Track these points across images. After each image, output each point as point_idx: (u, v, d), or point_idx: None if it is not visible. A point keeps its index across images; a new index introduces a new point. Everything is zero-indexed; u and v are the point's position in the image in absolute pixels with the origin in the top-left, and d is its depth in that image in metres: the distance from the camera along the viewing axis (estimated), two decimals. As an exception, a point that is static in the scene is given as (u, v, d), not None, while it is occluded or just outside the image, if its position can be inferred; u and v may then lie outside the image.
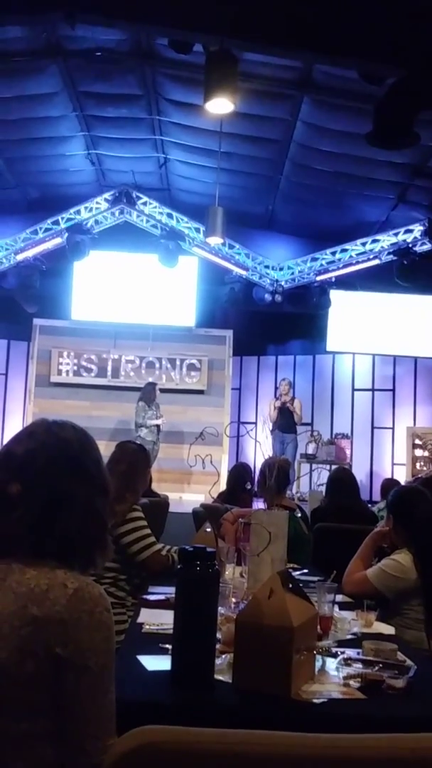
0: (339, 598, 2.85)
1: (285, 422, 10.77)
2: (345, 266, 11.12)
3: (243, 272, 11.24)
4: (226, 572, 3.07)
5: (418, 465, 10.99)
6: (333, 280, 11.23)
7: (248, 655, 1.92)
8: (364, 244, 10.92)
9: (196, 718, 1.71)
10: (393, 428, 11.75)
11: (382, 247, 10.82)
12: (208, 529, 3.22)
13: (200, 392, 11.64)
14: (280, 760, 1.09)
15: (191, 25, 5.64)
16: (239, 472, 6.15)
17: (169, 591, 2.59)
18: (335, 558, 3.28)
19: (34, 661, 1.36)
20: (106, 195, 11.09)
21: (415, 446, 11.14)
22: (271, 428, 10.71)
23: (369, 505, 6.45)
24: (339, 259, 11.09)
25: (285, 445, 10.64)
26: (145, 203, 11.15)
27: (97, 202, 11.08)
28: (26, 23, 7.02)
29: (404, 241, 10.63)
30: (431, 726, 1.38)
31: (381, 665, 2.10)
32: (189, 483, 10.66)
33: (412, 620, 3.00)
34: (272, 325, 11.87)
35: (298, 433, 10.77)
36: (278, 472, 3.74)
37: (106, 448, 4.55)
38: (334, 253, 11.10)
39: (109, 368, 11.65)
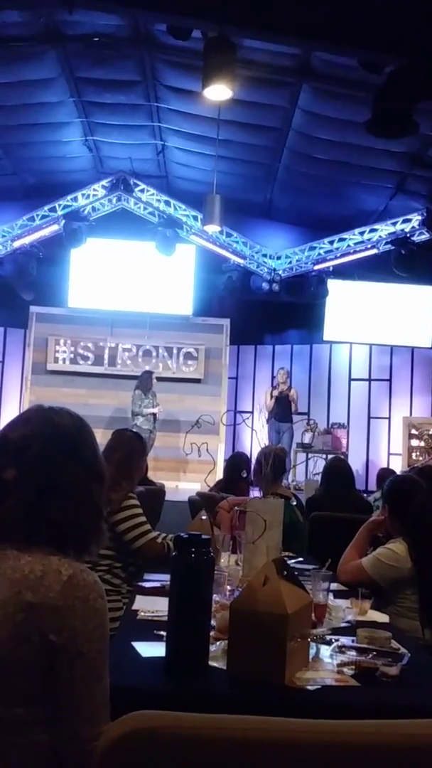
0: (334, 586, 2.86)
1: (281, 411, 10.77)
2: (343, 255, 11.10)
3: (240, 261, 11.22)
4: (222, 560, 3.08)
5: (414, 455, 11.01)
6: (330, 269, 11.21)
7: (242, 642, 1.92)
8: (362, 234, 10.90)
9: (190, 705, 1.71)
10: (389, 418, 11.76)
11: (380, 236, 10.81)
12: (204, 517, 3.23)
13: (197, 381, 11.63)
14: (274, 745, 1.09)
15: (190, 11, 5.62)
16: (236, 461, 6.15)
17: (165, 578, 2.60)
18: (330, 547, 3.29)
19: (28, 648, 1.37)
20: (104, 182, 11.03)
21: (411, 436, 11.16)
22: (267, 417, 10.72)
23: (364, 495, 6.47)
24: (337, 249, 11.07)
25: (281, 434, 10.65)
26: (142, 190, 11.10)
27: (94, 189, 11.03)
28: (24, 8, 6.98)
29: (402, 230, 10.61)
30: (424, 713, 1.38)
31: (375, 653, 2.11)
32: (185, 471, 10.67)
33: (406, 609, 3.02)
34: (269, 315, 11.85)
35: (294, 422, 10.78)
36: (274, 461, 3.74)
37: (102, 436, 4.54)
38: (331, 243, 11.08)
39: (106, 356, 11.63)
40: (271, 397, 10.88)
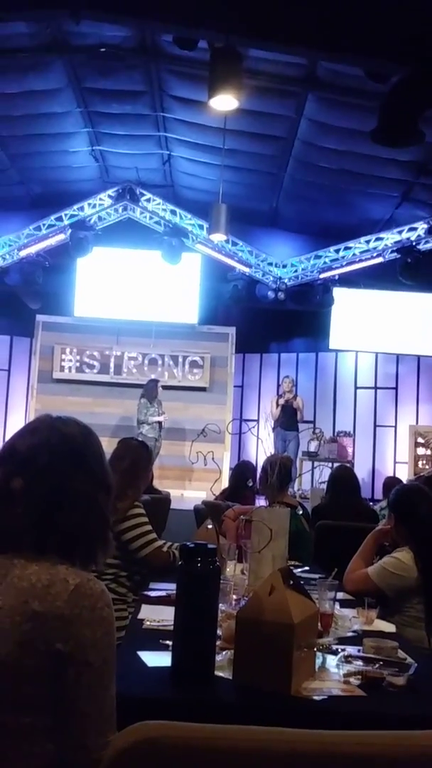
0: (340, 595, 2.85)
1: (287, 420, 10.76)
2: (348, 264, 11.10)
3: (246, 269, 11.23)
4: (227, 569, 3.08)
5: (420, 463, 10.98)
6: (336, 277, 11.22)
7: (249, 652, 1.92)
8: (367, 242, 10.91)
9: (197, 714, 1.71)
10: (395, 426, 11.75)
11: (385, 245, 10.81)
12: (210, 526, 3.23)
13: (202, 389, 11.64)
14: (280, 757, 1.09)
15: (196, 22, 5.65)
16: (242, 470, 6.16)
17: (170, 587, 2.60)
18: (336, 555, 3.28)
19: (35, 657, 1.37)
20: (110, 191, 11.08)
21: (417, 444, 11.13)
22: (273, 426, 10.71)
23: (371, 504, 6.46)
24: (342, 257, 11.08)
25: (287, 442, 10.64)
26: (148, 200, 11.14)
27: (100, 199, 11.07)
28: (31, 19, 7.03)
29: (408, 239, 10.62)
30: (431, 724, 1.38)
31: (381, 663, 2.10)
32: (191, 480, 10.66)
33: (412, 618, 3.01)
34: (275, 323, 11.86)
35: (300, 431, 10.77)
36: (280, 470, 3.74)
37: (108, 445, 4.55)
38: (337, 251, 11.09)
39: (112, 365, 11.65)
40: (277, 405, 10.87)
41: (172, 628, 2.00)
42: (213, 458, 3.18)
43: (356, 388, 12.01)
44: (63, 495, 1.52)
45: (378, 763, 1.11)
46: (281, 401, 10.89)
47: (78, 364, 11.65)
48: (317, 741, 1.11)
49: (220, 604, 2.31)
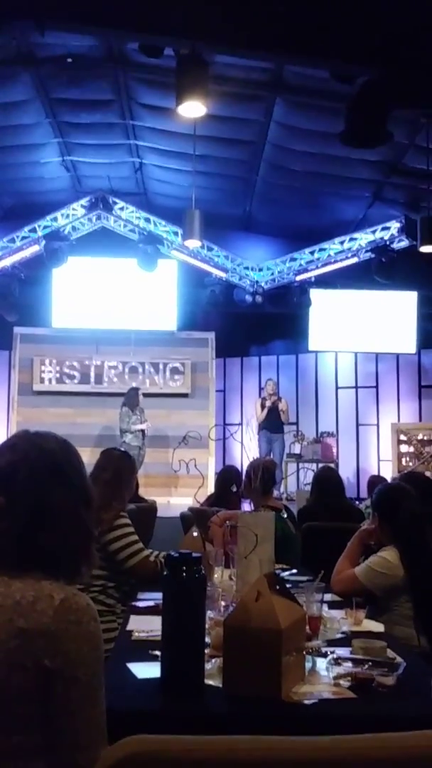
0: (328, 597, 2.86)
1: (272, 422, 10.77)
2: (324, 265, 11.16)
3: (222, 274, 11.25)
4: (215, 575, 3.07)
5: (403, 461, 11.03)
6: (312, 279, 11.27)
7: (237, 659, 1.92)
8: (342, 243, 10.97)
9: (188, 725, 1.71)
10: (378, 425, 11.80)
11: (360, 245, 10.88)
12: (195, 533, 3.22)
13: (184, 395, 11.63)
14: (271, 766, 1.09)
15: (161, 30, 5.65)
16: (226, 475, 6.15)
17: (159, 597, 2.58)
18: (324, 556, 3.29)
19: (23, 674, 1.36)
20: (83, 201, 11.06)
21: (400, 442, 11.19)
22: (258, 428, 10.71)
23: (356, 503, 6.48)
24: (318, 259, 11.13)
25: (271, 444, 10.66)
26: (122, 208, 11.13)
27: (73, 209, 11.05)
28: (-5, 31, 6.99)
29: (382, 238, 10.69)
30: (422, 723, 1.38)
31: (371, 663, 2.10)
32: (176, 487, 10.63)
33: (400, 617, 3.02)
34: (254, 326, 11.87)
35: (284, 433, 10.79)
36: (263, 474, 3.74)
37: (91, 455, 4.55)
38: (312, 253, 11.14)
39: (92, 374, 11.61)
40: (262, 407, 10.88)
41: (160, 638, 2.00)
42: (195, 465, 3.16)
43: (337, 388, 12.05)
44: (44, 510, 1.52)
45: (369, 766, 1.11)
46: (267, 403, 10.90)
47: (58, 375, 11.60)
48: (309, 748, 1.11)
49: (209, 611, 2.31)
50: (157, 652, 2.05)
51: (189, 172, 9.44)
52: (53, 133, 9.62)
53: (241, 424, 11.81)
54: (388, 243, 10.65)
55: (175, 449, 3.42)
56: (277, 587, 2.03)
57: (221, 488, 5.94)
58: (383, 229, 10.67)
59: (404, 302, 11.33)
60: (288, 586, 2.26)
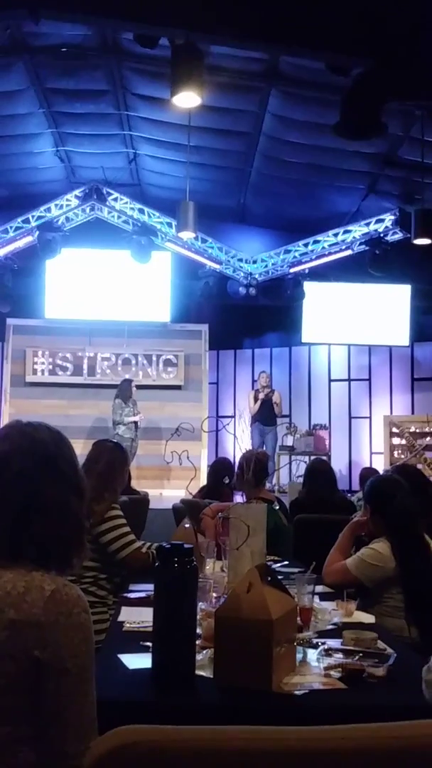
0: (319, 588, 2.87)
1: (266, 414, 10.79)
2: (318, 257, 11.15)
3: (216, 266, 11.23)
4: (207, 567, 3.08)
5: (396, 453, 11.06)
6: (306, 271, 11.26)
7: (229, 650, 1.92)
8: (336, 235, 10.96)
9: (179, 716, 1.72)
10: (370, 417, 11.82)
11: (353, 237, 10.87)
12: (188, 525, 3.23)
13: (177, 387, 11.62)
14: (263, 755, 1.09)
15: (156, 19, 5.62)
16: (219, 467, 6.16)
17: (150, 588, 2.59)
18: (315, 548, 3.30)
19: (13, 665, 1.36)
20: (77, 192, 11.01)
21: (392, 435, 11.21)
22: (251, 420, 10.73)
23: (349, 495, 6.49)
24: (311, 251, 11.12)
25: (264, 437, 10.67)
26: (115, 199, 11.09)
27: (67, 199, 11.00)
28: (-11, 20, 6.95)
29: (376, 230, 10.68)
30: (411, 713, 1.39)
31: (361, 654, 2.11)
32: (169, 479, 10.64)
33: (392, 608, 3.03)
34: (247, 318, 11.87)
35: (277, 425, 10.80)
36: (255, 466, 3.75)
37: (84, 447, 4.55)
38: (306, 245, 11.13)
39: (85, 366, 11.59)
40: (255, 400, 10.89)
41: (152, 629, 2.00)
42: (188, 457, 3.16)
43: (330, 380, 12.07)
44: (36, 501, 1.52)
45: (361, 757, 1.12)
46: (260, 396, 10.91)
47: (51, 367, 11.57)
48: (298, 738, 1.12)
49: (200, 603, 2.31)
50: (148, 643, 2.06)
51: (183, 163, 9.41)
52: (47, 123, 9.57)
53: (234, 416, 11.81)
54: (382, 235, 10.64)
55: (168, 441, 3.41)
56: (269, 578, 2.04)
57: (214, 480, 5.95)
58: (377, 221, 10.66)
59: (398, 295, 11.34)
60: (279, 577, 2.26)
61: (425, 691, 1.72)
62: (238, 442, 4.78)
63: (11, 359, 11.57)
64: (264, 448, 10.14)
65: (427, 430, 10.91)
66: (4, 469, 1.52)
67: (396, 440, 11.19)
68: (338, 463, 10.42)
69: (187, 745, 1.07)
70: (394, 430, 11.20)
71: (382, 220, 10.63)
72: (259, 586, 1.93)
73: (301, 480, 6.58)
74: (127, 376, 11.08)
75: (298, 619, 2.31)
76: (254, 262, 11.38)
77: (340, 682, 1.96)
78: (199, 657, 2.01)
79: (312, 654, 2.18)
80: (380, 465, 10.50)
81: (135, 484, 6.94)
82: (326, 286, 11.37)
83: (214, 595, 2.65)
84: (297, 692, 1.88)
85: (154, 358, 11.64)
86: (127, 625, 2.47)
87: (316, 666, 2.08)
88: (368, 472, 6.80)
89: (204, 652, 2.09)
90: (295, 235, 11.24)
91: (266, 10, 5.45)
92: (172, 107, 6.74)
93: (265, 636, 1.87)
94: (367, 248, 10.74)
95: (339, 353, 12.03)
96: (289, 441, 10.86)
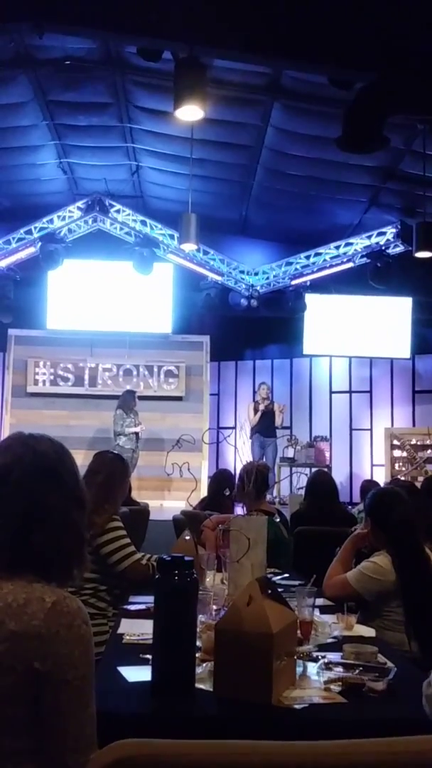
0: (319, 601, 2.85)
1: (266, 426, 10.78)
2: (319, 270, 11.18)
3: (218, 278, 11.26)
4: (207, 579, 3.07)
5: (396, 465, 11.05)
6: (308, 283, 11.29)
7: (229, 663, 1.91)
8: (337, 248, 11.00)
9: (178, 729, 1.72)
10: (371, 429, 11.82)
11: (355, 250, 10.90)
12: (188, 537, 3.22)
13: (179, 399, 11.63)
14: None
15: (160, 33, 5.66)
16: (219, 479, 6.15)
17: (150, 600, 2.58)
18: (316, 561, 3.29)
19: (13, 677, 1.36)
20: (79, 203, 11.06)
21: (393, 447, 11.20)
22: (251, 432, 10.72)
23: (349, 507, 6.48)
24: (313, 263, 11.15)
25: (265, 448, 10.66)
26: (118, 211, 11.13)
27: (69, 211, 11.05)
28: (-7, 33, 7.00)
29: (377, 243, 10.72)
30: (412, 728, 1.38)
31: (361, 668, 2.10)
32: (169, 490, 10.63)
33: (392, 622, 3.02)
34: (249, 330, 11.89)
35: (277, 437, 10.79)
36: (257, 477, 3.74)
37: (84, 458, 4.54)
38: (308, 257, 11.16)
39: (86, 377, 11.60)
40: (255, 411, 10.89)
41: (151, 642, 1.99)
42: (189, 469, 3.16)
43: (331, 392, 12.07)
44: (37, 512, 1.52)
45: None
46: (260, 407, 10.91)
47: (52, 378, 11.58)
48: (297, 752, 1.11)
49: (200, 615, 2.31)
50: (148, 656, 2.05)
51: (186, 175, 9.45)
52: (50, 135, 9.62)
53: (234, 427, 11.80)
54: (383, 248, 10.68)
55: (169, 452, 3.40)
56: (269, 591, 2.03)
57: (214, 492, 5.94)
58: (379, 234, 10.70)
59: (399, 308, 11.36)
60: (280, 590, 2.26)
61: (426, 705, 1.71)
62: (239, 453, 4.78)
63: (13, 370, 11.58)
64: (264, 460, 10.13)
65: (428, 442, 10.91)
66: (6, 480, 1.53)
67: (397, 452, 11.19)
68: (339, 475, 10.40)
69: (185, 759, 1.07)
70: (395, 442, 11.20)
71: (383, 233, 10.66)
72: (259, 599, 1.93)
73: (301, 492, 6.57)
74: (128, 387, 11.09)
75: (298, 632, 2.31)
76: (256, 274, 11.41)
77: (340, 696, 1.95)
78: (199, 670, 2.01)
79: (312, 667, 2.17)
80: (381, 477, 10.49)
81: (135, 495, 6.95)
82: (328, 299, 11.39)
83: (215, 607, 2.64)
84: (297, 706, 1.87)
85: (155, 369, 11.65)
86: (127, 637, 2.46)
87: (316, 680, 2.07)
88: (369, 485, 6.80)
89: (204, 665, 2.08)
90: (297, 247, 11.27)
91: (269, 24, 5.49)
92: (174, 120, 6.78)
93: (266, 649, 1.86)
94: (368, 261, 10.78)
95: (340, 365, 12.04)
96: (290, 453, 10.84)
